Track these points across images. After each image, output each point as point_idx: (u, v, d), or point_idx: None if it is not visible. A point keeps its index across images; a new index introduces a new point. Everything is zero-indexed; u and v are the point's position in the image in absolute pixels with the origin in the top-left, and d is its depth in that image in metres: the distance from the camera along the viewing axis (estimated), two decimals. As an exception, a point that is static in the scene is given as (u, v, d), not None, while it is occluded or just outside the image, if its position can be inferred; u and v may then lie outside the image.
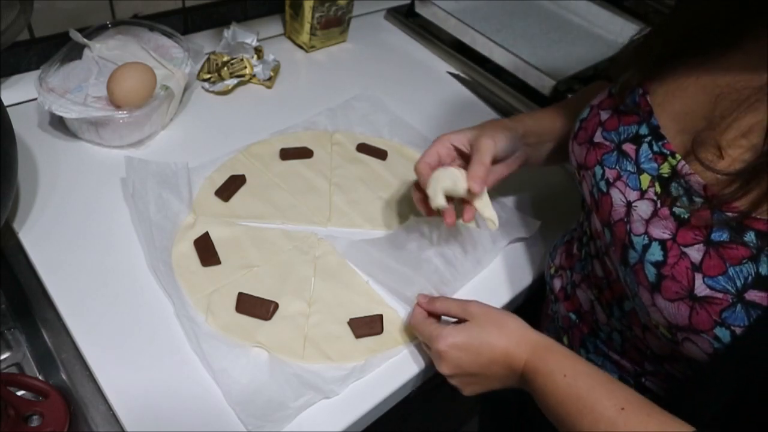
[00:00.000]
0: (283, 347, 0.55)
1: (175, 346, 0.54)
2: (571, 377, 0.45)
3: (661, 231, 0.43)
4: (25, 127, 0.70)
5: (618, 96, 0.51)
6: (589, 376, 0.45)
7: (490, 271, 0.67)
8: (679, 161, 0.44)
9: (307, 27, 0.90)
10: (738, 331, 0.38)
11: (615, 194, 0.48)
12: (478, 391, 0.53)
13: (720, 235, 0.39)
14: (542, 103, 0.88)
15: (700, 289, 0.40)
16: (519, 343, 0.49)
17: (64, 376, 0.53)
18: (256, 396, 0.51)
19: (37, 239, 0.60)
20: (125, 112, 0.66)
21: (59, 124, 0.71)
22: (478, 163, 0.57)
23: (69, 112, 0.65)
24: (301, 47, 0.94)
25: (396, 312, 0.60)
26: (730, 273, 0.39)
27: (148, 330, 0.55)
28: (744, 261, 0.38)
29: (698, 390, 0.44)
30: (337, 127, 0.80)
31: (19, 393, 0.54)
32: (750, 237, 0.38)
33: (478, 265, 0.66)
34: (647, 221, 0.44)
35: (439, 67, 0.97)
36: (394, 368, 0.56)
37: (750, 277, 0.38)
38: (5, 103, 0.60)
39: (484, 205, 0.59)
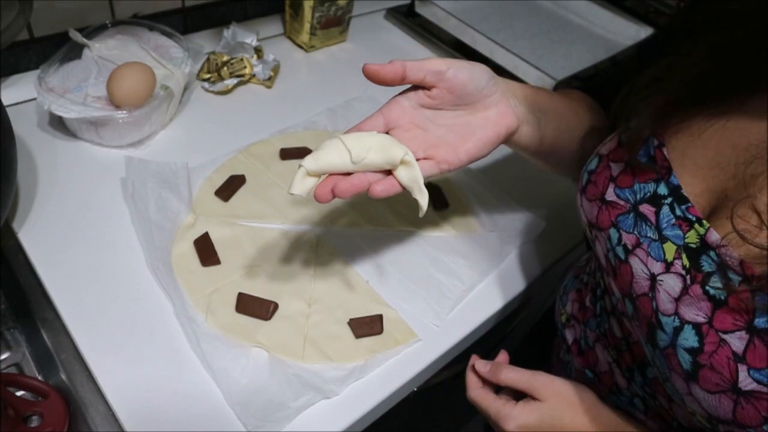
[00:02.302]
0: (283, 347, 0.55)
1: (174, 346, 0.54)
2: None
3: (695, 313, 0.37)
4: (24, 126, 0.70)
5: (629, 148, 0.44)
6: None
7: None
8: (707, 229, 0.38)
9: (307, 27, 0.90)
10: None
11: (636, 264, 0.42)
12: None
13: (765, 321, 0.34)
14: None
15: (746, 382, 0.35)
16: (592, 421, 0.46)
17: (63, 377, 0.53)
18: (256, 396, 0.51)
19: (37, 239, 0.60)
20: (125, 111, 0.66)
21: (59, 123, 0.71)
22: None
23: (68, 111, 0.65)
24: (301, 47, 0.94)
25: (396, 312, 0.60)
26: None
27: (148, 330, 0.54)
28: None
29: None
30: (337, 127, 0.80)
31: (19, 393, 0.54)
32: None
33: (483, 274, 0.66)
34: (677, 300, 0.38)
35: (439, 67, 0.97)
36: (394, 368, 0.56)
37: None
38: (5, 102, 0.60)
39: (412, 179, 0.46)
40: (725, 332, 0.36)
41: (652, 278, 0.40)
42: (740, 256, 0.36)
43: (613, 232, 0.44)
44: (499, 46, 0.90)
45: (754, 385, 0.35)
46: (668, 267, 0.39)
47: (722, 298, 0.36)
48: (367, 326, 0.58)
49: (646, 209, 0.42)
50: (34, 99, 0.70)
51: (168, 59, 0.76)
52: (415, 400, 0.66)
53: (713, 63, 0.41)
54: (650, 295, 0.40)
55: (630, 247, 0.42)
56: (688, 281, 0.38)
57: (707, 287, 0.37)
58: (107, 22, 0.76)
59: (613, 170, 0.45)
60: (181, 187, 0.65)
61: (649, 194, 0.42)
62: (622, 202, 0.44)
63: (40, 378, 0.58)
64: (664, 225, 0.41)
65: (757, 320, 0.35)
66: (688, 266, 0.38)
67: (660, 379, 0.43)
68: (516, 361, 0.54)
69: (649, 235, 0.41)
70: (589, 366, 0.54)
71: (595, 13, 1.07)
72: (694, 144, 0.41)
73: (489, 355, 0.79)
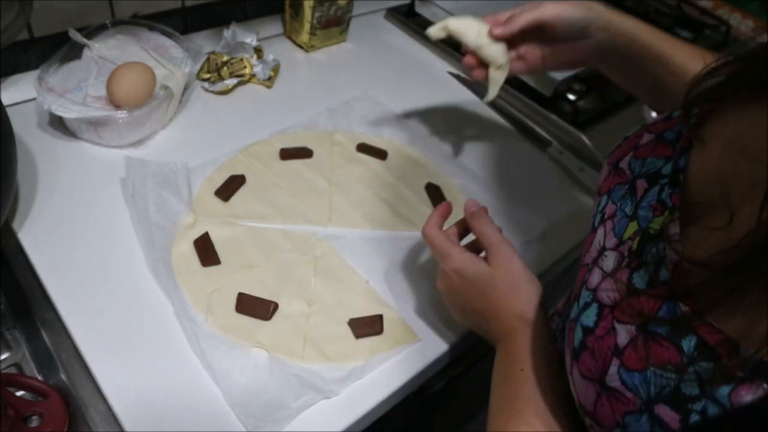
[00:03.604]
0: (283, 347, 0.55)
1: (174, 346, 0.54)
2: (524, 375, 0.44)
3: (607, 295, 0.37)
4: (24, 126, 0.70)
5: (683, 120, 0.42)
6: (539, 383, 0.43)
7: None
8: (673, 220, 0.36)
9: (306, 27, 0.90)
10: None
11: (599, 235, 0.42)
12: (460, 321, 0.54)
13: (659, 326, 0.33)
14: (542, 104, 0.88)
15: (612, 378, 0.34)
16: (514, 308, 0.47)
17: (63, 377, 0.53)
18: (256, 396, 0.51)
19: (37, 239, 0.60)
20: (125, 111, 0.66)
21: (59, 123, 0.71)
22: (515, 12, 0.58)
23: (68, 111, 0.65)
24: (300, 47, 0.94)
25: (396, 312, 0.60)
26: (648, 375, 0.32)
27: (148, 330, 0.54)
28: (668, 367, 0.31)
29: None
30: (337, 127, 0.80)
31: (19, 393, 0.54)
32: (689, 343, 0.31)
33: None
34: (603, 278, 0.38)
35: (439, 67, 0.97)
36: (394, 368, 0.56)
37: (667, 389, 0.31)
38: (5, 102, 0.60)
39: (498, 80, 0.62)
40: (619, 322, 0.35)
41: (601, 251, 0.41)
42: (678, 258, 0.34)
43: (604, 198, 0.45)
44: (499, 46, 0.90)
45: (617, 384, 0.34)
46: (619, 245, 0.39)
47: (638, 289, 0.35)
48: (367, 326, 0.58)
49: (641, 184, 0.42)
50: (34, 99, 0.70)
51: (168, 59, 0.76)
52: (415, 400, 0.66)
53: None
54: (589, 267, 0.41)
55: (605, 217, 0.43)
56: (623, 264, 0.38)
57: (634, 274, 0.36)
58: (107, 22, 0.77)
59: (642, 139, 0.45)
60: (181, 187, 0.65)
61: (652, 170, 0.42)
62: (627, 172, 0.44)
63: (40, 378, 0.58)
64: (644, 204, 0.40)
65: (652, 324, 0.33)
66: (633, 250, 0.38)
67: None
68: None
69: (626, 210, 0.41)
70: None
71: (595, 13, 1.06)
72: (718, 133, 0.39)
73: (490, 354, 0.79)
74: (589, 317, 0.37)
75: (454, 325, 0.61)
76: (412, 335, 0.58)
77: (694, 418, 0.29)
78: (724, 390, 0.29)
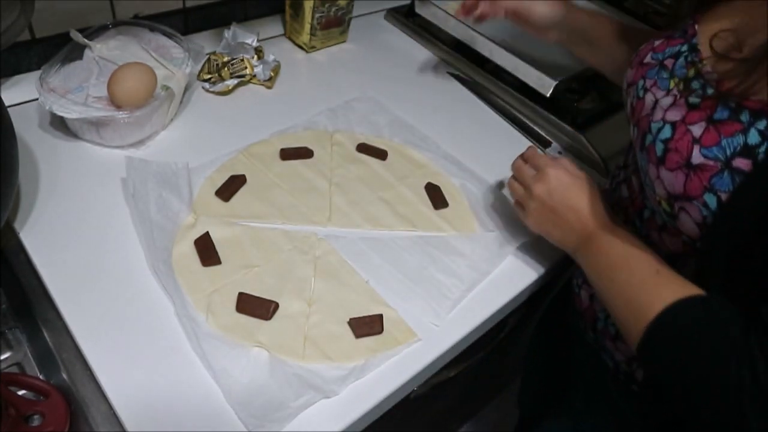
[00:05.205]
0: (284, 347, 0.55)
1: (175, 346, 0.54)
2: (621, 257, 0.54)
3: (674, 115, 0.49)
4: (25, 127, 0.70)
5: (676, 25, 0.56)
6: (633, 257, 0.53)
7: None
8: (704, 66, 0.49)
9: (307, 27, 0.90)
10: (723, 197, 0.44)
11: (648, 97, 0.54)
12: (538, 227, 0.63)
13: (721, 114, 0.45)
14: (542, 104, 0.89)
15: (696, 157, 0.46)
16: (602, 214, 0.58)
17: (64, 376, 0.54)
18: (257, 396, 0.51)
19: (38, 239, 0.60)
20: (126, 112, 0.66)
21: (60, 124, 0.71)
22: None
23: (70, 112, 0.65)
24: (301, 47, 0.94)
25: (396, 312, 0.60)
26: (723, 143, 0.44)
27: (149, 329, 0.55)
28: (736, 133, 0.44)
29: (698, 264, 0.51)
30: (337, 127, 0.80)
31: (20, 393, 0.54)
32: (745, 115, 0.44)
33: (483, 274, 0.66)
34: (665, 110, 0.50)
35: (439, 67, 0.97)
36: (394, 368, 0.56)
37: (738, 147, 0.44)
38: (6, 103, 0.60)
39: None
40: (692, 124, 0.47)
41: (655, 102, 0.52)
42: (719, 75, 0.47)
43: (640, 82, 0.56)
44: (499, 46, 0.90)
45: (701, 159, 0.45)
46: (668, 92, 0.51)
47: (697, 103, 0.47)
48: (367, 326, 0.58)
49: (668, 62, 0.54)
50: (36, 99, 0.70)
51: (169, 60, 0.76)
52: (415, 400, 0.66)
53: None
54: (650, 113, 0.52)
55: (647, 87, 0.54)
56: (678, 98, 0.50)
57: (689, 98, 0.48)
58: (108, 22, 0.77)
59: (655, 43, 0.57)
60: (182, 187, 0.65)
61: (673, 52, 0.54)
62: (653, 61, 0.56)
63: (41, 377, 0.58)
64: (677, 68, 0.52)
65: (716, 114, 0.46)
66: (681, 89, 0.50)
67: (642, 177, 0.54)
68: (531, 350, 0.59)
69: (663, 76, 0.53)
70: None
71: (595, 13, 1.07)
72: (717, 19, 0.51)
73: (489, 355, 0.80)
74: (665, 132, 0.49)
75: (454, 325, 0.61)
76: (412, 335, 0.59)
77: (761, 156, 0.42)
78: None
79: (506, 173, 0.79)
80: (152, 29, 0.79)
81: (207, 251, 0.61)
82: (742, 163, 0.43)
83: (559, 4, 0.74)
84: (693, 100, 0.48)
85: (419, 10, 1.00)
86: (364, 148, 0.77)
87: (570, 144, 0.86)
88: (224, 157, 0.72)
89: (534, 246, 0.70)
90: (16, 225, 0.61)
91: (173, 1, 0.85)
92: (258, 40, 0.85)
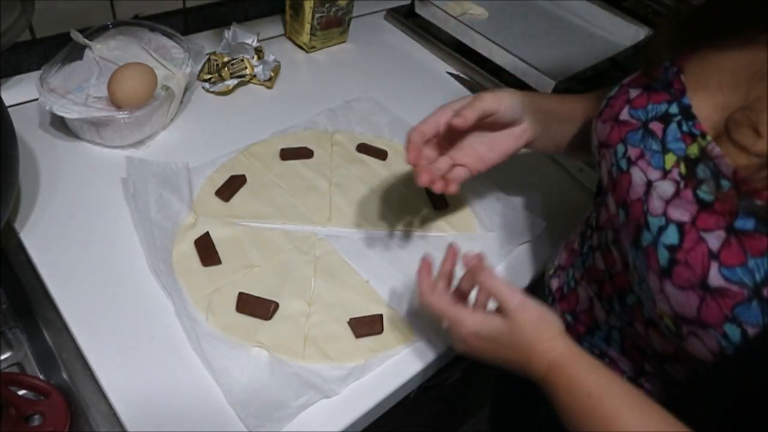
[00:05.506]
0: (284, 347, 0.55)
1: (175, 346, 0.54)
2: (597, 398, 0.43)
3: (681, 213, 0.40)
4: (26, 127, 0.70)
5: (646, 72, 0.48)
6: (617, 397, 0.43)
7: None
8: (709, 142, 0.40)
9: (307, 27, 0.90)
10: (750, 330, 0.36)
11: (635, 173, 0.45)
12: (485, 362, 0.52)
13: (745, 224, 0.37)
14: (542, 104, 0.89)
15: (715, 279, 0.37)
16: (544, 350, 0.46)
17: (65, 376, 0.54)
18: (257, 395, 0.51)
19: (38, 239, 0.60)
20: (126, 112, 0.67)
21: (60, 124, 0.71)
22: (468, 102, 0.55)
23: (70, 112, 0.65)
24: (301, 47, 0.94)
25: (396, 312, 0.60)
26: (750, 265, 0.36)
27: (149, 329, 0.55)
28: (767, 253, 0.35)
29: (699, 393, 0.42)
30: (337, 127, 0.80)
31: (20, 392, 0.54)
32: None
33: None
34: (667, 202, 0.41)
35: (439, 67, 0.97)
36: (394, 368, 0.56)
37: None
38: (6, 103, 0.60)
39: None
40: (706, 231, 0.38)
41: (648, 184, 0.43)
42: (735, 165, 0.38)
43: (620, 147, 0.47)
44: (499, 46, 0.90)
45: (722, 282, 0.37)
46: (665, 174, 0.42)
47: (710, 201, 0.39)
48: (367, 326, 0.58)
49: (655, 126, 0.45)
50: (36, 99, 0.70)
51: (169, 60, 0.76)
52: (415, 400, 0.66)
53: (726, 4, 0.44)
54: (643, 199, 0.43)
55: (633, 159, 0.45)
56: (681, 186, 0.41)
57: (698, 191, 0.39)
58: (108, 22, 0.77)
59: (630, 94, 0.48)
60: (182, 187, 0.65)
61: (660, 113, 0.45)
62: (634, 121, 0.47)
63: (41, 377, 0.58)
64: (670, 139, 0.43)
65: (737, 222, 0.37)
66: (684, 174, 0.41)
67: (636, 281, 0.45)
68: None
69: (653, 147, 0.44)
70: (570, 308, 0.57)
71: (595, 13, 1.07)
72: (709, 73, 0.44)
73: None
74: (670, 236, 0.40)
75: (453, 325, 0.61)
76: (412, 335, 0.59)
77: None
78: None
79: (506, 173, 0.79)
80: (152, 29, 0.79)
81: (207, 251, 0.61)
82: None
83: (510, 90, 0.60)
84: (703, 195, 0.39)
85: (419, 10, 1.00)
86: (364, 148, 0.77)
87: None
88: (224, 157, 0.72)
89: (534, 246, 0.70)
90: (17, 225, 0.61)
91: (173, 1, 0.85)
92: (258, 40, 0.85)
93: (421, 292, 0.52)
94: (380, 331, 0.58)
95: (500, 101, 0.56)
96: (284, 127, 0.78)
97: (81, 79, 0.71)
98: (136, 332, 0.54)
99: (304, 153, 0.75)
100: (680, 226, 0.39)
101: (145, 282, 0.58)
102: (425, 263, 0.54)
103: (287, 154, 0.74)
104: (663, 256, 0.40)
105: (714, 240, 0.38)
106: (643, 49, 0.54)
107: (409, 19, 1.04)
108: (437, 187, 0.56)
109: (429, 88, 0.92)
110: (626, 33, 1.02)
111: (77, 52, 0.74)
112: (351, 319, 0.58)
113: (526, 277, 0.68)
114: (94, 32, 0.75)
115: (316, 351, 0.56)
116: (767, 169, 0.36)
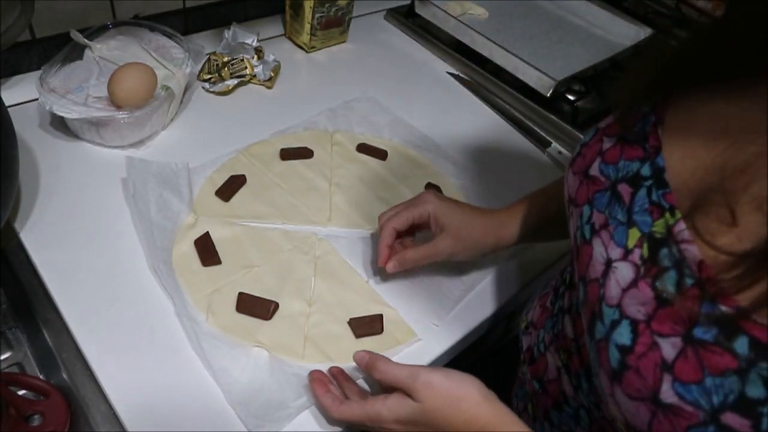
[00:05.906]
0: (284, 347, 0.55)
1: (175, 346, 0.54)
2: None
3: (636, 310, 0.35)
4: (26, 127, 0.70)
5: (621, 123, 0.43)
6: None
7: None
8: (677, 221, 0.35)
9: (307, 27, 0.90)
10: None
11: (597, 246, 0.40)
12: None
13: (705, 333, 0.31)
14: (542, 104, 0.89)
15: (667, 394, 0.32)
16: (467, 421, 0.43)
17: (65, 376, 0.54)
18: (257, 395, 0.51)
19: (38, 239, 0.60)
20: (126, 112, 0.66)
21: (60, 124, 0.71)
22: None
23: (70, 112, 0.65)
24: (301, 47, 0.94)
25: (396, 312, 0.60)
26: (707, 384, 0.31)
27: (149, 329, 0.55)
28: (727, 373, 0.30)
29: None
30: (337, 127, 0.80)
31: (20, 392, 0.54)
32: (742, 345, 0.30)
33: (483, 274, 0.66)
34: (624, 290, 0.36)
35: (439, 68, 0.97)
36: (394, 368, 0.56)
37: (731, 396, 0.30)
38: (6, 103, 0.60)
39: None
40: (660, 335, 0.33)
41: (608, 263, 0.38)
42: (702, 256, 0.33)
43: (586, 209, 0.42)
44: (499, 46, 0.90)
45: (674, 399, 0.32)
46: (627, 254, 0.37)
47: (668, 299, 0.33)
48: (368, 326, 0.58)
49: (624, 189, 0.40)
50: (36, 99, 0.70)
51: (169, 60, 0.76)
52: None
53: (712, 44, 0.38)
54: (601, 281, 0.38)
55: (597, 227, 0.41)
56: (641, 273, 0.36)
57: (657, 283, 0.34)
58: (108, 22, 0.77)
59: (604, 144, 0.44)
60: (182, 188, 0.65)
61: (631, 173, 0.40)
62: (603, 179, 0.42)
63: (41, 377, 0.58)
64: (636, 209, 0.38)
65: (696, 330, 0.31)
66: (646, 257, 0.36)
67: (594, 372, 0.40)
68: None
69: (618, 217, 0.39)
70: (538, 375, 0.53)
71: (595, 13, 1.07)
72: (688, 127, 0.39)
73: (492, 354, 0.79)
74: (623, 335, 0.35)
75: (454, 325, 0.61)
76: (412, 335, 0.59)
77: (766, 421, 0.29)
78: None
79: (506, 173, 0.79)
80: (152, 29, 0.79)
81: (207, 251, 0.61)
82: (735, 422, 0.30)
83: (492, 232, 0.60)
84: (662, 289, 0.34)
85: (419, 10, 1.00)
86: (364, 148, 0.77)
87: (570, 144, 0.86)
88: (224, 157, 0.72)
89: (534, 245, 0.70)
90: (17, 225, 0.61)
91: (173, 1, 0.85)
92: (258, 40, 0.85)
93: (327, 409, 0.49)
94: (380, 331, 0.58)
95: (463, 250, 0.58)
96: (284, 127, 0.78)
97: (81, 79, 0.71)
98: (136, 332, 0.54)
99: (304, 153, 0.75)
100: (634, 324, 0.34)
101: (145, 282, 0.58)
102: (317, 382, 0.51)
103: (287, 154, 0.74)
104: (614, 356, 0.35)
105: (669, 348, 0.32)
106: (615, 90, 0.47)
107: (409, 19, 1.04)
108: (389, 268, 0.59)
109: (429, 88, 0.92)
110: (626, 33, 1.02)
111: (77, 52, 0.74)
112: (351, 319, 0.58)
113: (526, 277, 0.68)
114: (94, 32, 0.75)
115: (316, 351, 0.56)
116: (737, 268, 0.30)
